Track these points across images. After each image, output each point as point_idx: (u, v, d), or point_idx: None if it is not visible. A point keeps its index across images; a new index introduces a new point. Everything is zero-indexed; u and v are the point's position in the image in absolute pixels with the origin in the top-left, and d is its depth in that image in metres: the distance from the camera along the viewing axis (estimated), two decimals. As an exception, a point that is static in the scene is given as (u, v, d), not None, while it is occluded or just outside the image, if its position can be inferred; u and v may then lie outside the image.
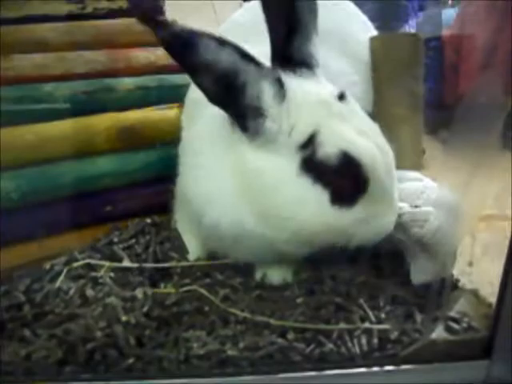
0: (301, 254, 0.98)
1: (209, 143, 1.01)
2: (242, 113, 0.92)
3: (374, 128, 0.95)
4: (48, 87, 1.09)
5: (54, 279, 1.01)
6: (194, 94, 1.10)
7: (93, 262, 1.03)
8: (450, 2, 2.51)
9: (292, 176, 0.91)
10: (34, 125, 1.07)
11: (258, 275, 1.03)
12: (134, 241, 1.12)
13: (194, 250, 1.10)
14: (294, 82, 0.94)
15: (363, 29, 1.28)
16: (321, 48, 1.02)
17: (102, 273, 1.01)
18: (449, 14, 2.38)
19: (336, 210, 0.91)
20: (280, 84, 0.92)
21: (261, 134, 0.92)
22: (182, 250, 1.09)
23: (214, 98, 0.91)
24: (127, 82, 1.17)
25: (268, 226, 0.94)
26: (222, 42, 0.87)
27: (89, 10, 1.18)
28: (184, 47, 0.86)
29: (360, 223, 0.92)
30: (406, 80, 1.15)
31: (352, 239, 0.93)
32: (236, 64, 0.88)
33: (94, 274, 1.02)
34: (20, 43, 1.10)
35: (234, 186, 0.96)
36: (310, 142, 0.91)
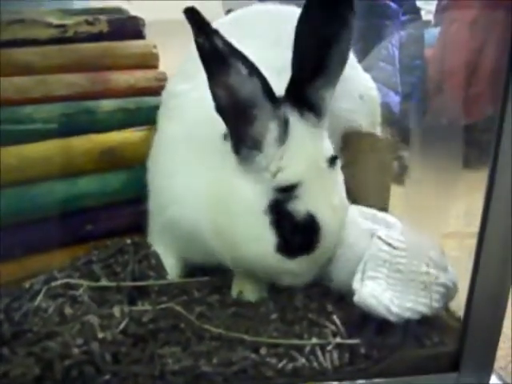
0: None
1: (186, 144, 1.04)
2: (242, 138, 0.95)
3: (342, 204, 1.01)
4: (28, 109, 1.12)
5: (33, 298, 1.02)
6: (176, 86, 1.15)
7: (72, 281, 1.04)
8: (432, 21, 2.56)
9: (258, 210, 0.95)
10: (14, 147, 1.09)
11: (234, 292, 1.05)
12: (112, 260, 1.12)
13: (171, 266, 1.11)
14: (299, 128, 0.96)
15: (352, 67, 1.26)
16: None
17: (80, 291, 1.03)
18: (431, 33, 2.43)
19: (277, 257, 0.96)
20: (286, 128, 0.94)
21: (249, 162, 0.95)
22: (160, 269, 1.10)
23: (222, 112, 0.93)
24: (107, 104, 1.20)
25: (217, 241, 0.99)
26: (252, 72, 0.89)
27: (70, 33, 1.20)
28: (216, 60, 0.88)
29: (294, 274, 1.00)
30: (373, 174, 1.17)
31: (284, 281, 1.01)
32: (256, 97, 0.91)
33: (72, 292, 1.03)
34: (1, 67, 1.12)
35: (202, 191, 1.00)
36: (287, 190, 0.94)
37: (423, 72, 2.35)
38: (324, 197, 0.96)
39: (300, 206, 0.94)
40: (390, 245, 0.94)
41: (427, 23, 2.58)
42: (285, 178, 0.94)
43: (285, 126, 0.94)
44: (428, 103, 2.28)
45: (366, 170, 1.11)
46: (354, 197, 1.06)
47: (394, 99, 2.25)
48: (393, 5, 2.38)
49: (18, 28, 1.16)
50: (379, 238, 0.95)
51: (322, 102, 0.97)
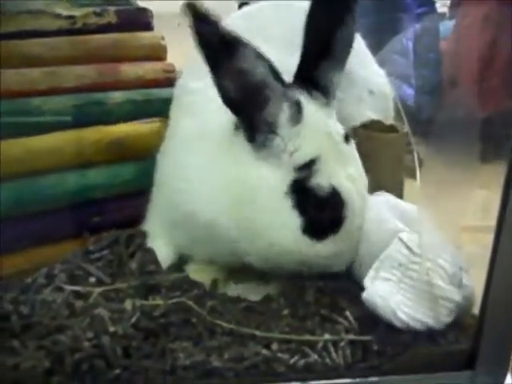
0: (269, 270, 1.01)
1: (202, 139, 1.04)
2: (255, 125, 0.95)
3: (361, 177, 1.00)
4: (37, 101, 1.11)
5: (38, 291, 1.01)
6: (190, 84, 1.14)
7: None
8: (447, 14, 2.52)
9: (279, 193, 0.95)
10: (23, 138, 1.08)
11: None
12: (108, 251, 1.11)
13: (164, 256, 1.10)
14: (311, 107, 0.97)
15: (362, 61, 1.28)
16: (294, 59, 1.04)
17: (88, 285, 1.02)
18: (446, 26, 2.40)
19: (305, 240, 0.95)
20: (299, 107, 0.95)
21: (265, 147, 0.95)
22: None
23: (231, 103, 0.93)
24: (116, 96, 1.19)
25: (240, 234, 0.98)
26: (259, 55, 0.90)
27: (79, 25, 1.19)
28: (222, 49, 0.88)
29: (324, 258, 0.97)
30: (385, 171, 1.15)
31: (314, 269, 0.99)
32: (266, 79, 0.92)
33: (78, 286, 1.02)
34: (10, 58, 1.11)
35: (220, 184, 0.99)
36: (307, 166, 0.94)
37: (438, 65, 2.32)
38: (343, 170, 0.96)
39: (322, 180, 0.94)
40: (409, 249, 0.92)
41: (442, 16, 2.54)
42: (303, 155, 0.95)
43: (297, 105, 0.95)
44: (443, 96, 2.26)
45: (378, 163, 1.09)
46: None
47: (408, 92, 2.22)
48: (407, -4, 2.36)
49: (26, 19, 1.15)
50: (400, 239, 0.93)
51: (330, 84, 0.99)
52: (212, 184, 1.00)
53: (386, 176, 1.09)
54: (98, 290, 1.00)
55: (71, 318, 0.94)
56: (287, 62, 0.99)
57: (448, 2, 2.53)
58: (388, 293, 0.88)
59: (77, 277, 1.03)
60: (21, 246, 1.08)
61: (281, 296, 1.02)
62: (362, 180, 1.00)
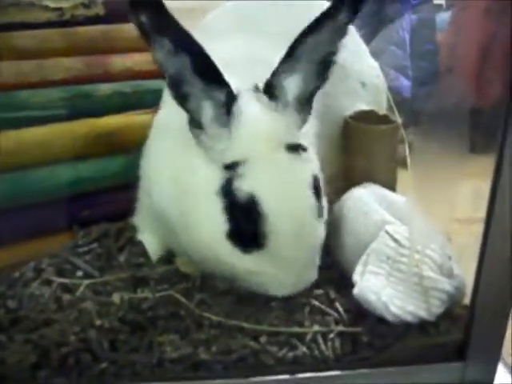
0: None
1: (168, 130, 1.03)
2: (188, 117, 0.93)
3: (302, 196, 0.92)
4: (25, 94, 1.10)
5: (26, 285, 1.00)
6: None
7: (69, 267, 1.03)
8: (443, 5, 2.51)
9: (210, 192, 0.92)
10: (11, 131, 1.07)
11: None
12: (96, 245, 1.10)
13: (153, 249, 1.09)
14: (252, 109, 0.93)
15: (355, 53, 1.25)
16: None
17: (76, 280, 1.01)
18: (442, 17, 2.39)
19: (228, 246, 0.92)
20: (227, 109, 0.91)
21: (198, 142, 0.93)
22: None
23: (168, 84, 0.91)
24: (104, 88, 1.18)
25: (179, 227, 0.97)
26: (179, 49, 0.86)
27: (67, 16, 1.18)
28: (144, 35, 0.85)
29: (254, 274, 0.93)
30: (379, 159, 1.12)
31: (251, 286, 0.95)
32: (183, 75, 0.88)
33: (66, 279, 1.01)
34: (-2, 50, 1.11)
35: (172, 175, 0.98)
36: (232, 168, 0.90)
37: (435, 56, 2.31)
38: (274, 182, 0.90)
39: (243, 186, 0.89)
40: (396, 241, 0.91)
41: (438, 7, 2.53)
42: (231, 156, 0.91)
43: (225, 108, 0.91)
44: (438, 87, 2.25)
45: (371, 155, 1.08)
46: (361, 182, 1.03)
47: (404, 83, 2.21)
48: (403, -12, 2.34)
49: (14, 11, 1.14)
50: (387, 232, 0.92)
51: (281, 89, 0.93)
52: (167, 175, 0.99)
53: (379, 168, 1.08)
54: (86, 282, 1.00)
55: (58, 311, 0.93)
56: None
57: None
58: (379, 287, 0.87)
59: (65, 270, 1.02)
60: (9, 240, 1.07)
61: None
62: (303, 201, 0.92)
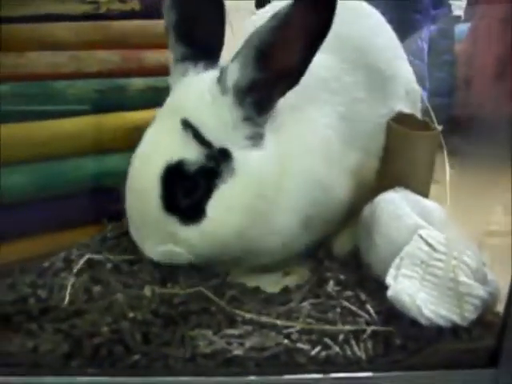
0: None
1: None
2: None
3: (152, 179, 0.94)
4: (60, 85, 1.10)
5: (56, 275, 1.00)
6: None
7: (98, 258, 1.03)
8: (462, 17, 2.52)
9: None
10: (46, 121, 1.08)
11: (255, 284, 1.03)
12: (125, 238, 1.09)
13: None
14: (194, 76, 0.99)
15: (389, 44, 1.22)
16: (337, 58, 1.04)
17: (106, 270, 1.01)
18: (461, 29, 2.40)
19: None
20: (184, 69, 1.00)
21: None
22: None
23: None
24: (138, 83, 1.18)
25: None
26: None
27: (102, 10, 1.19)
28: None
29: None
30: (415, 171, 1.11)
31: None
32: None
33: (97, 270, 1.01)
34: (34, 41, 1.11)
35: None
36: None
37: (453, 67, 2.32)
38: (140, 152, 0.98)
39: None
40: (430, 245, 0.91)
41: (457, 18, 2.54)
42: None
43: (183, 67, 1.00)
44: (457, 98, 2.26)
45: (410, 159, 1.07)
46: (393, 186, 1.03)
47: (422, 94, 2.22)
48: (424, -2, 2.35)
49: (51, 3, 1.14)
50: (420, 236, 0.92)
51: (225, 73, 0.95)
52: None
53: (415, 174, 1.07)
54: (116, 275, 1.00)
55: (89, 302, 0.93)
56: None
57: (463, 5, 2.53)
58: (413, 290, 0.87)
59: (94, 262, 1.02)
60: (39, 230, 1.07)
61: (299, 288, 1.02)
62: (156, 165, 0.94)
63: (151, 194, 0.94)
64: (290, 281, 1.06)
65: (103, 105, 1.14)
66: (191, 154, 0.93)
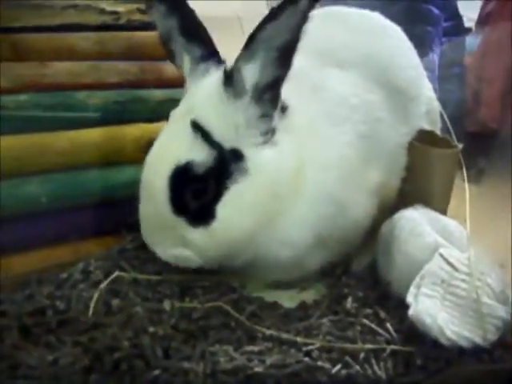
0: None
1: None
2: None
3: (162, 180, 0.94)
4: (81, 95, 1.10)
5: (74, 287, 1.00)
6: None
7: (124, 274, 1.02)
8: (472, 29, 2.52)
9: None
10: (66, 131, 1.08)
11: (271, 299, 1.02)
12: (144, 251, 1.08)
13: None
14: (206, 83, 0.99)
15: (411, 64, 1.22)
16: (358, 76, 1.04)
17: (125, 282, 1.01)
18: (472, 41, 2.40)
19: None
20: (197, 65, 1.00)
21: None
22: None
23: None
24: (158, 94, 1.18)
25: None
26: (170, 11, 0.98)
27: (122, 21, 1.19)
28: None
29: None
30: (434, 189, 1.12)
31: None
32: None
33: (116, 282, 1.01)
34: (53, 51, 1.11)
35: None
36: None
37: (463, 80, 2.32)
38: (153, 155, 0.98)
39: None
40: (451, 265, 0.91)
41: (468, 30, 2.54)
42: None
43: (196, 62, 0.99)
44: (466, 111, 2.26)
45: (430, 176, 1.08)
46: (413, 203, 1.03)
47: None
48: (435, 10, 2.35)
49: (71, 13, 1.15)
50: (441, 255, 0.92)
51: (238, 76, 0.93)
52: None
53: (435, 191, 1.07)
54: (135, 288, 1.00)
55: (107, 315, 0.93)
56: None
57: (474, 17, 2.54)
58: (435, 310, 0.87)
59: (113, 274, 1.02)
60: (55, 241, 1.07)
61: (317, 304, 1.01)
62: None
63: (160, 196, 0.94)
64: (307, 296, 1.05)
65: (123, 116, 1.14)
66: (200, 155, 0.93)
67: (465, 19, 2.59)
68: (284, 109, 0.98)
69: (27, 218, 1.03)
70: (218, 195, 0.93)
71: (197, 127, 0.94)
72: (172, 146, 0.96)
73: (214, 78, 0.97)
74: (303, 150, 0.99)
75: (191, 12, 0.99)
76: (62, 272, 1.02)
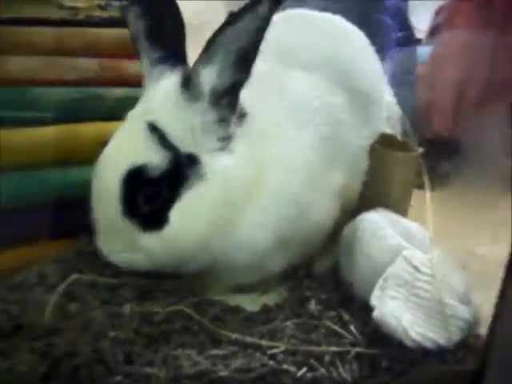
0: None
1: None
2: None
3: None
4: (37, 92, 1.06)
5: (30, 291, 0.96)
6: None
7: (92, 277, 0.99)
8: (423, 40, 2.58)
9: None
10: (22, 128, 1.03)
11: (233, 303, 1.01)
12: None
13: None
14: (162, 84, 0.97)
15: (373, 68, 1.24)
16: (321, 78, 1.05)
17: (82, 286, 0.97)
18: (421, 51, 2.45)
19: None
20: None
21: None
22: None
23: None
24: (118, 92, 1.15)
25: None
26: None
27: (81, 16, 1.15)
28: None
29: None
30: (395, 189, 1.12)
31: None
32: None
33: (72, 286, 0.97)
34: (8, 45, 1.07)
35: None
36: None
37: (415, 89, 2.37)
38: (105, 156, 0.95)
39: None
40: (414, 267, 0.91)
41: (419, 41, 2.60)
42: None
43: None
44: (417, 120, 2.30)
45: (387, 181, 1.09)
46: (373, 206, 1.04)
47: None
48: (388, 20, 2.39)
49: (27, 6, 1.11)
50: (404, 257, 0.93)
51: (195, 80, 0.93)
52: None
53: (394, 195, 1.08)
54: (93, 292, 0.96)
55: (65, 320, 0.90)
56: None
57: (424, 28, 2.60)
58: (400, 312, 0.87)
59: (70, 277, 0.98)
60: (10, 243, 1.03)
61: (280, 307, 1.01)
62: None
63: (111, 197, 0.91)
64: (269, 299, 1.04)
65: (81, 114, 1.10)
66: (155, 158, 0.91)
67: (415, 31, 2.65)
68: (242, 115, 0.96)
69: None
70: (171, 200, 0.91)
71: (153, 129, 0.92)
72: (126, 148, 0.94)
73: (171, 80, 0.95)
74: (265, 153, 0.98)
75: (166, 14, 0.98)
76: (15, 275, 0.97)
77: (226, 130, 0.94)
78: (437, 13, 2.57)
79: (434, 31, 2.56)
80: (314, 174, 1.03)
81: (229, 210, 0.95)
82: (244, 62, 0.90)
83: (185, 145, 0.92)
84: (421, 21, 2.72)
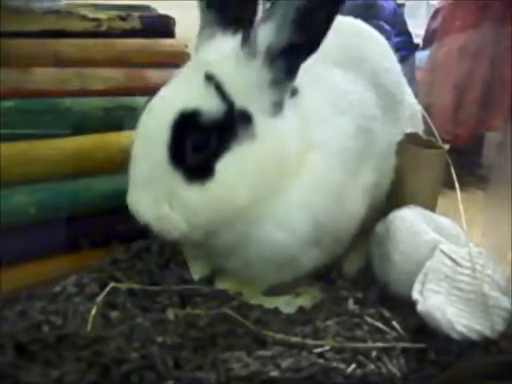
0: None
1: None
2: None
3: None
4: (67, 102, 1.06)
5: (68, 300, 0.96)
6: None
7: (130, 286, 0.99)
8: (420, 45, 2.62)
9: None
10: (52, 140, 1.03)
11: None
12: (138, 260, 1.06)
13: (196, 268, 1.05)
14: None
15: (395, 68, 1.24)
16: (354, 75, 1.07)
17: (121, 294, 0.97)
18: (419, 56, 2.49)
19: None
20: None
21: None
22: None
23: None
24: (143, 101, 1.15)
25: None
26: None
27: (104, 28, 1.16)
28: None
29: None
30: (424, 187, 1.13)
31: None
32: None
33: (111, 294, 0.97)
34: (36, 56, 1.07)
35: None
36: None
37: (415, 94, 2.40)
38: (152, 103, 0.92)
39: None
40: (453, 260, 0.92)
41: (416, 46, 2.64)
42: None
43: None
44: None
45: (418, 177, 1.10)
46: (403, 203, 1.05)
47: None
48: (386, 26, 2.42)
49: (53, 19, 1.11)
50: (442, 251, 0.94)
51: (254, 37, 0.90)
52: None
53: (423, 191, 1.09)
54: (132, 299, 0.96)
55: (108, 328, 0.89)
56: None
57: (421, 33, 2.64)
58: (443, 305, 0.88)
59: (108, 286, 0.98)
60: (43, 254, 1.02)
61: (317, 308, 1.01)
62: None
63: (159, 142, 0.86)
64: (303, 301, 1.04)
65: (110, 123, 1.10)
66: (209, 105, 0.87)
67: (413, 36, 2.69)
68: (294, 92, 0.95)
69: (15, 230, 0.97)
70: (219, 152, 0.87)
71: (211, 78, 0.89)
72: (181, 92, 0.90)
73: (232, 38, 0.93)
74: (311, 134, 0.97)
75: None
76: (53, 286, 0.97)
77: (280, 96, 0.92)
78: (433, 17, 2.62)
79: (430, 36, 2.61)
80: (352, 164, 1.02)
81: (275, 177, 0.92)
82: (302, 22, 0.88)
83: (240, 99, 0.89)
84: (416, 26, 2.77)
